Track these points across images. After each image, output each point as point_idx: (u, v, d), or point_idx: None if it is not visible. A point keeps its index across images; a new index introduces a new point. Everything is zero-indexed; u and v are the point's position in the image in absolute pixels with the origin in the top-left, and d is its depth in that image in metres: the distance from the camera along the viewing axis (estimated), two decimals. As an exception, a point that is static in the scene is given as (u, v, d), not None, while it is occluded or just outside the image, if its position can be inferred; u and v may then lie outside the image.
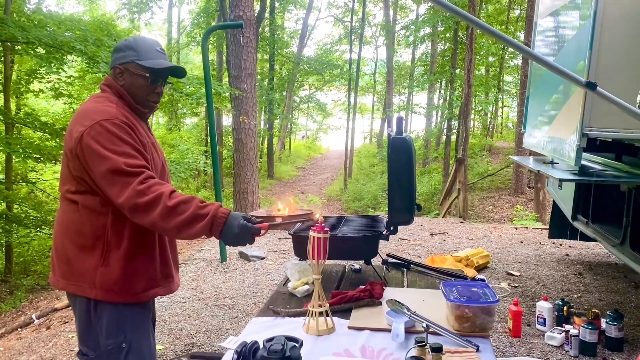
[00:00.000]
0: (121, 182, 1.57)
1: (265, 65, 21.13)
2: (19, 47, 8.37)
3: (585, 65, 3.03)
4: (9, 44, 8.29)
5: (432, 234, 6.79)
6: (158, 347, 3.45)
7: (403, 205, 1.97)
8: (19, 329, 5.21)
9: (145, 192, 1.55)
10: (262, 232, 1.61)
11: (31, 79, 10.34)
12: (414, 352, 1.20)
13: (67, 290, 1.74)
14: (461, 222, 7.92)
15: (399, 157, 1.96)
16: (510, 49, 19.03)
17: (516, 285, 4.55)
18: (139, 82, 1.76)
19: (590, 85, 1.90)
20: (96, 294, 1.67)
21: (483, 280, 2.89)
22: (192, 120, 22.43)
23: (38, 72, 10.13)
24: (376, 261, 2.34)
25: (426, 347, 1.19)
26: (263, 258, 5.63)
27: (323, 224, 1.66)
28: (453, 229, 7.19)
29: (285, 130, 26.86)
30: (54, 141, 8.65)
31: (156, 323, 3.79)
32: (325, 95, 30.85)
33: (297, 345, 0.92)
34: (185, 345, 3.47)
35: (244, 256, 5.63)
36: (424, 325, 1.40)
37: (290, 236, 2.22)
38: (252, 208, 9.15)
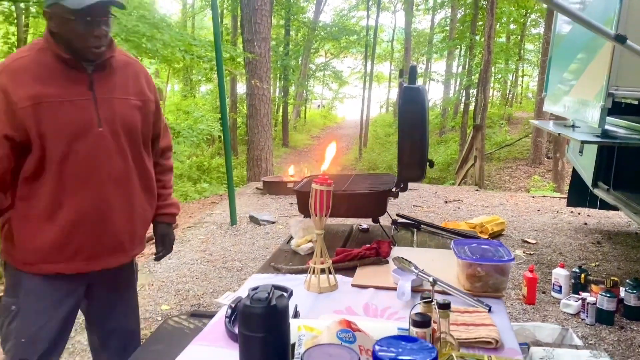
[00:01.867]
0: None
1: (281, 31, 20.76)
2: (34, 10, 8.25)
3: (614, 17, 2.82)
4: (22, 4, 8.17)
5: (446, 202, 6.65)
6: (164, 307, 3.42)
7: (414, 159, 1.84)
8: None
9: None
10: None
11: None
12: (419, 308, 1.10)
13: None
14: (476, 191, 7.75)
15: (412, 107, 1.83)
16: (532, 16, 18.42)
17: (532, 253, 4.43)
18: (68, 26, 1.51)
19: (620, 39, 1.73)
20: (4, 255, 1.64)
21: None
22: (206, 87, 22.29)
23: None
24: (385, 221, 2.23)
25: (433, 303, 1.08)
26: (273, 222, 5.56)
27: (327, 177, 1.55)
28: (468, 196, 7.04)
29: (301, 99, 26.58)
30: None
31: (158, 285, 3.78)
32: (341, 62, 30.35)
33: (285, 294, 0.82)
34: (192, 305, 3.43)
35: (254, 220, 5.57)
36: (431, 280, 1.30)
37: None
38: (266, 175, 9.06)
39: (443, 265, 1.68)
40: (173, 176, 2.00)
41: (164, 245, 1.96)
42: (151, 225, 1.88)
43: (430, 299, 1.10)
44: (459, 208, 6.29)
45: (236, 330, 1.27)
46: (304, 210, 2.04)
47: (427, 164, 1.91)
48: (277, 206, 6.44)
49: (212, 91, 21.34)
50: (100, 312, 1.79)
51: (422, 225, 2.22)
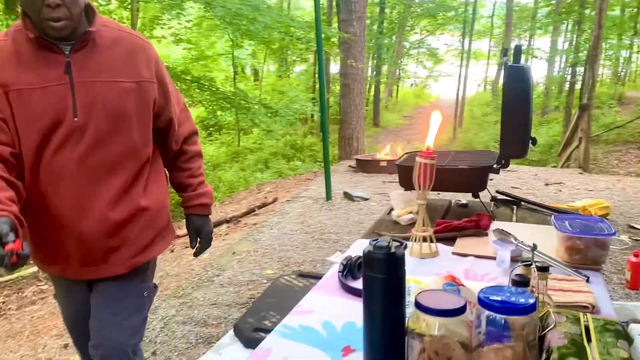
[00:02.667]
0: None
1: (375, 9, 20.60)
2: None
3: None
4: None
5: (547, 184, 6.44)
6: (268, 271, 3.71)
7: (516, 136, 1.89)
8: (149, 251, 5.83)
9: None
10: (13, 257, 1.13)
11: (154, 26, 11.02)
12: (519, 270, 1.20)
13: None
14: (580, 173, 7.40)
15: (516, 86, 1.87)
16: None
17: (638, 239, 4.23)
18: None
19: None
20: None
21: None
22: (301, 67, 22.74)
23: (160, 18, 10.77)
24: (484, 199, 2.30)
25: (532, 266, 1.18)
26: (367, 199, 5.72)
27: (431, 151, 1.66)
28: (570, 179, 6.75)
29: (393, 77, 26.30)
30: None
31: (262, 251, 4.05)
32: (437, 39, 29.52)
33: (401, 245, 0.97)
34: (293, 271, 3.70)
35: (348, 196, 5.76)
36: (531, 245, 1.38)
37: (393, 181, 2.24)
38: (357, 154, 9.22)
39: (542, 239, 1.73)
40: (203, 162, 1.82)
41: (201, 240, 1.78)
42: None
43: (529, 262, 1.19)
44: (560, 191, 6.07)
45: (349, 283, 1.45)
46: (405, 183, 2.17)
47: (530, 141, 1.95)
48: (369, 184, 6.58)
49: (305, 71, 21.75)
50: (93, 311, 1.61)
51: (522, 202, 2.27)
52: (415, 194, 1.71)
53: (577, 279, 1.41)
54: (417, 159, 1.65)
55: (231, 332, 1.84)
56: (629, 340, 1.06)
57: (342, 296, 1.41)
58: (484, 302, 0.91)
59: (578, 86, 15.20)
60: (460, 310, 0.92)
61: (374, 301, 0.98)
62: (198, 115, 17.17)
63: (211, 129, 17.71)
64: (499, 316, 0.90)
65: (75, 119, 1.40)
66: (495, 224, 1.92)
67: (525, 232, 1.82)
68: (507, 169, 2.03)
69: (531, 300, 0.90)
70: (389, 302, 0.96)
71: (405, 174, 2.13)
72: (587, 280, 1.44)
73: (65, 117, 1.39)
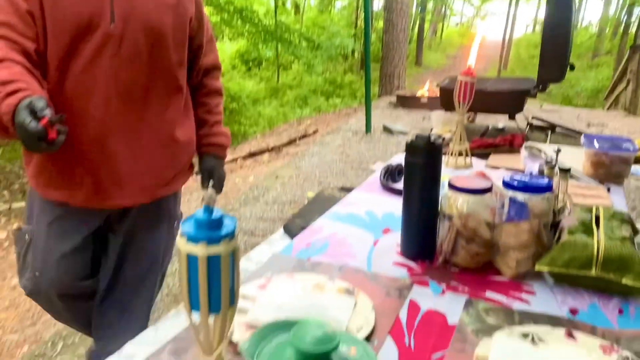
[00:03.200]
0: None
1: (424, -60, 19.73)
2: None
3: None
4: None
5: (588, 125, 6.37)
6: (309, 193, 3.95)
7: (555, 61, 1.98)
8: (194, 175, 6.17)
9: None
10: (50, 133, 1.04)
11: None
12: (544, 170, 1.35)
13: None
14: (625, 116, 7.26)
15: (557, 11, 1.94)
16: None
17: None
18: None
19: None
20: (28, 174, 1.44)
21: None
22: (342, 2, 22.23)
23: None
24: (521, 123, 2.41)
25: (555, 167, 1.32)
26: (406, 133, 5.83)
27: (472, 70, 1.78)
28: (614, 122, 6.66)
29: (439, 15, 25.42)
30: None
31: (303, 177, 4.27)
32: (487, -24, 28.16)
33: (440, 137, 1.13)
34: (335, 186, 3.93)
35: (387, 130, 5.88)
36: (556, 148, 1.52)
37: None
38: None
39: (571, 157, 1.86)
40: (222, 102, 1.70)
41: (213, 183, 1.64)
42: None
43: (553, 164, 1.34)
44: (601, 132, 6.03)
45: (389, 184, 1.63)
46: (446, 104, 2.30)
47: (568, 66, 2.04)
48: (409, 119, 6.66)
49: (347, 6, 21.28)
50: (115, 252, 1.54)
51: (557, 127, 2.37)
52: (455, 114, 1.84)
53: (599, 188, 1.55)
54: (459, 77, 1.77)
55: (281, 230, 2.06)
56: (635, 230, 1.22)
57: (382, 194, 1.60)
58: (506, 183, 1.08)
59: (634, 29, 14.44)
60: (487, 190, 1.09)
61: (413, 184, 1.15)
62: (238, 49, 17.24)
63: (251, 63, 17.78)
64: (519, 195, 1.06)
65: (112, 24, 1.27)
66: (529, 144, 2.05)
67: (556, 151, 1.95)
68: (549, 109, 2.12)
69: (546, 183, 1.06)
70: (426, 185, 1.14)
71: (446, 96, 2.26)
72: (608, 191, 1.58)
73: (101, 22, 1.26)
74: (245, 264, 1.18)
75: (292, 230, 2.30)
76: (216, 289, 0.54)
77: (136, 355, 0.84)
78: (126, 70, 1.32)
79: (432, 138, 1.12)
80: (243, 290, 1.03)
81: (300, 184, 4.18)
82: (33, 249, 1.42)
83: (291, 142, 6.08)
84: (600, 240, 1.04)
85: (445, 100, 2.16)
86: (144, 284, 1.62)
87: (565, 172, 1.32)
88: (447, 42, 27.62)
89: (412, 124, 6.34)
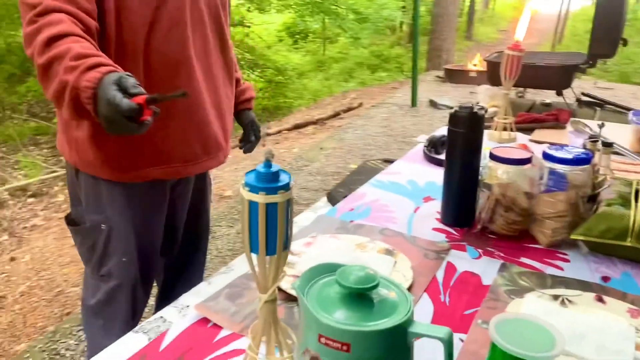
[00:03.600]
0: (22, 13, 1.09)
1: None
2: None
3: None
4: None
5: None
6: (352, 165, 4.01)
7: (606, 35, 1.94)
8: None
9: (31, 36, 1.05)
10: (145, 112, 0.93)
11: None
12: (586, 145, 1.36)
13: (59, 149, 1.39)
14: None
15: (612, -16, 1.90)
16: None
17: None
18: None
19: None
20: (75, 160, 1.31)
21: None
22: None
23: None
24: (570, 99, 2.39)
25: (598, 142, 1.34)
26: (452, 108, 5.76)
27: (520, 44, 1.78)
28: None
29: (492, -13, 24.54)
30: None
31: (347, 149, 4.32)
32: (545, -55, 26.81)
33: (482, 108, 1.17)
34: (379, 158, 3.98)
35: (433, 104, 5.84)
36: (600, 123, 1.52)
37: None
38: (446, 65, 9.05)
39: (619, 134, 1.85)
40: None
41: (255, 133, 1.66)
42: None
43: (596, 139, 1.36)
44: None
45: (432, 155, 1.68)
46: (492, 79, 2.29)
47: (620, 42, 2.00)
48: (456, 94, 6.57)
49: (397, -23, 20.79)
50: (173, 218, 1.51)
51: (606, 105, 2.33)
52: (502, 88, 1.85)
53: (643, 163, 1.55)
54: (505, 51, 1.78)
55: (324, 198, 2.14)
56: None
57: (425, 165, 1.65)
58: (546, 155, 1.11)
59: None
60: (526, 161, 1.12)
61: (455, 153, 1.20)
62: (285, 21, 17.21)
63: (297, 36, 17.74)
64: (557, 166, 1.10)
65: None
66: (574, 120, 2.04)
67: (603, 128, 1.94)
68: (604, 86, 2.08)
69: (585, 155, 1.09)
70: (467, 153, 1.19)
71: (493, 70, 2.25)
72: (654, 167, 1.57)
73: None
74: (306, 224, 1.26)
75: (335, 198, 2.37)
76: (272, 233, 0.63)
77: (191, 304, 0.94)
78: (198, 34, 1.31)
79: (475, 109, 1.16)
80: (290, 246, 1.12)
81: (343, 156, 4.24)
82: (116, 235, 1.33)
83: (336, 115, 6.12)
84: (637, 212, 1.07)
85: (492, 74, 2.17)
86: (201, 247, 1.67)
87: (608, 146, 1.34)
88: (500, 15, 26.60)
89: (459, 99, 6.25)
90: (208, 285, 1.01)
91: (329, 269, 0.65)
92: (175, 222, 1.52)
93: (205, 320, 0.89)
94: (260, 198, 0.60)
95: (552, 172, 1.12)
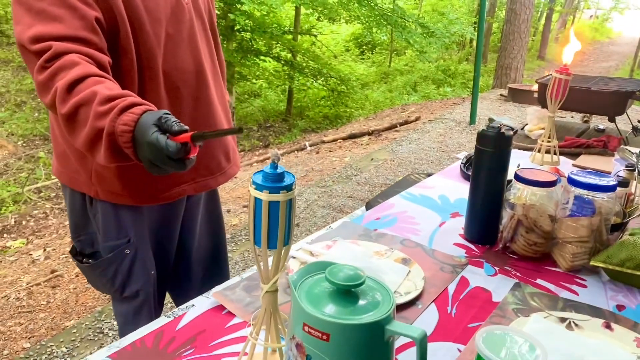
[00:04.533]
0: (27, 61, 1.02)
1: None
2: None
3: None
4: None
5: None
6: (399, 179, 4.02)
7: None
8: (296, 152, 6.46)
9: (46, 84, 0.98)
10: (192, 150, 0.87)
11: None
12: (622, 173, 1.34)
13: (60, 180, 1.33)
14: None
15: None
16: None
17: None
18: None
19: None
20: (94, 190, 1.25)
21: None
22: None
23: None
24: (626, 126, 2.32)
25: (635, 171, 1.32)
26: (511, 128, 5.64)
27: (568, 68, 1.77)
28: None
29: (570, 6, 23.68)
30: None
31: (397, 162, 4.32)
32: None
33: (511, 129, 1.19)
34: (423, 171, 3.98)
35: (491, 122, 5.73)
36: (637, 152, 1.48)
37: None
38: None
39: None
40: None
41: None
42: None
43: (633, 168, 1.33)
44: None
45: (468, 172, 1.69)
46: (543, 101, 2.26)
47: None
48: (518, 114, 6.42)
49: (470, -7, 20.50)
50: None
51: (664, 134, 2.24)
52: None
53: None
54: (553, 73, 1.77)
55: (363, 207, 2.19)
56: None
57: (460, 181, 1.67)
58: (571, 180, 1.12)
59: None
60: (551, 184, 1.13)
61: (481, 171, 1.22)
62: (353, 32, 17.37)
63: (364, 47, 17.85)
64: (582, 192, 1.10)
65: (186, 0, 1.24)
66: (622, 147, 1.98)
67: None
68: None
69: (610, 183, 1.08)
70: (492, 172, 1.20)
71: (543, 92, 2.22)
72: (701, 202, 1.51)
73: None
74: (324, 231, 1.31)
75: (372, 207, 2.42)
76: (274, 229, 0.69)
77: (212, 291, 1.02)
78: (205, 43, 1.31)
79: (503, 129, 1.18)
80: (311, 247, 1.18)
81: (393, 169, 4.26)
82: (140, 256, 1.32)
83: (392, 127, 6.13)
84: (661, 244, 1.05)
85: (541, 96, 2.15)
86: (221, 254, 1.61)
87: (645, 176, 1.31)
88: (578, 36, 25.64)
89: (520, 118, 6.11)
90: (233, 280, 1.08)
91: (328, 266, 0.71)
92: (192, 229, 1.48)
93: (221, 308, 0.96)
94: (264, 196, 0.67)
95: (577, 197, 1.12)
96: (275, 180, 0.68)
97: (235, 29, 9.09)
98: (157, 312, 1.45)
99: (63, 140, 1.21)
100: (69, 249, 1.37)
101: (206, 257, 1.54)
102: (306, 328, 0.62)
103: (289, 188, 0.68)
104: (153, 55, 1.15)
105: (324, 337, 0.61)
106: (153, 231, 1.35)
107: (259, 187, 0.67)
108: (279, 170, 0.68)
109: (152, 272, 1.37)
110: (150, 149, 0.86)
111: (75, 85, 0.94)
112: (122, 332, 1.42)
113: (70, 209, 1.32)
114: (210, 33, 1.36)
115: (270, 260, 0.73)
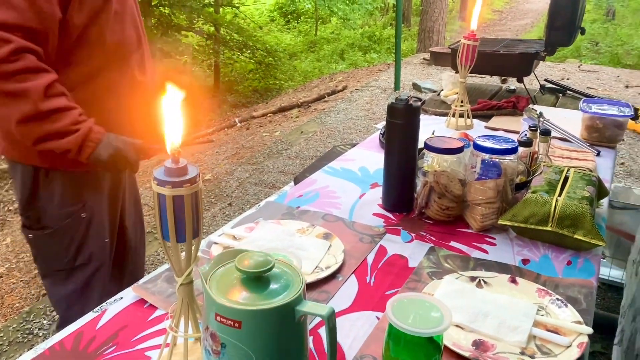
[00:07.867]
0: None
1: None
2: None
3: None
4: None
5: (627, 86, 6.18)
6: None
7: (563, 23, 1.99)
8: (226, 129, 6.36)
9: (11, 74, 1.12)
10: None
11: None
12: (527, 134, 1.42)
13: (9, 157, 1.39)
14: (670, 78, 6.97)
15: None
16: None
17: None
18: None
19: None
20: (48, 162, 1.33)
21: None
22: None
23: None
24: (534, 85, 2.44)
25: (537, 130, 1.40)
26: (435, 91, 5.81)
27: (475, 34, 1.83)
28: (656, 83, 6.42)
29: (485, -33, 24.27)
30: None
31: (327, 132, 4.35)
32: None
33: (419, 100, 1.23)
34: (348, 143, 4.04)
35: (416, 87, 5.87)
36: (538, 112, 1.58)
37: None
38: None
39: (571, 123, 1.91)
40: None
41: None
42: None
43: (535, 128, 1.42)
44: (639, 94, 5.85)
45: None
46: (455, 66, 2.34)
47: (579, 30, 2.04)
48: (441, 76, 6.60)
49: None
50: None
51: (567, 91, 2.39)
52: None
53: (587, 150, 1.62)
54: (462, 40, 1.83)
55: (292, 183, 2.21)
56: (603, 192, 1.30)
57: (379, 152, 1.71)
58: (476, 145, 1.17)
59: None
60: (457, 150, 1.18)
61: (393, 142, 1.26)
62: (277, 1, 17.07)
63: (289, 16, 17.61)
64: (487, 155, 1.16)
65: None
66: (529, 107, 2.09)
67: (558, 116, 2.00)
68: (587, 69, 2.13)
69: (512, 145, 1.15)
70: (404, 143, 1.25)
71: (454, 57, 2.29)
72: (598, 154, 1.64)
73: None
74: (247, 214, 1.32)
75: (301, 181, 2.45)
76: (181, 223, 0.69)
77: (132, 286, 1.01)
78: (140, 29, 1.44)
79: (410, 101, 1.22)
80: (233, 231, 1.18)
81: (323, 140, 4.29)
82: (96, 220, 1.42)
83: (320, 98, 6.15)
84: (559, 199, 1.14)
85: (454, 62, 2.22)
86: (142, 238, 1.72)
87: (546, 134, 1.40)
88: (492, -5, 26.45)
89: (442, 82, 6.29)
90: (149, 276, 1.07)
91: (238, 255, 0.72)
92: (125, 204, 1.59)
93: (142, 302, 0.96)
94: (167, 191, 0.66)
95: (484, 161, 1.18)
96: (178, 175, 0.67)
97: (152, 4, 8.70)
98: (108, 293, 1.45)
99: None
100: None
101: (135, 240, 1.64)
102: (218, 317, 0.63)
103: (192, 181, 0.67)
104: (92, 22, 1.26)
105: (236, 324, 0.62)
106: (108, 197, 1.46)
107: (161, 183, 0.67)
108: (180, 165, 0.67)
109: (106, 240, 1.45)
110: (117, 161, 1.25)
111: (49, 88, 1.16)
112: (65, 320, 1.42)
113: (21, 185, 1.37)
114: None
115: (183, 253, 0.73)
